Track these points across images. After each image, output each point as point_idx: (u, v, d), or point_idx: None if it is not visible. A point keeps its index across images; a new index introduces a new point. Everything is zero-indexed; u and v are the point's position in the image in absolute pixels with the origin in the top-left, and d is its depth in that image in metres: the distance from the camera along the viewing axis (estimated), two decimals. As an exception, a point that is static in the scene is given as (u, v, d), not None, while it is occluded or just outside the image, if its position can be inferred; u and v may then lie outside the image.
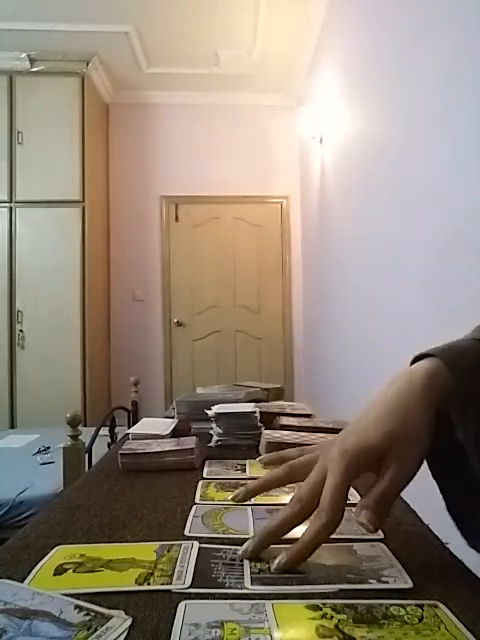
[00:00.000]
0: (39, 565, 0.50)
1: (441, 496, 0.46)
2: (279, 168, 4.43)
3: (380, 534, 0.58)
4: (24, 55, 3.61)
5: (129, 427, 1.76)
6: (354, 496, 0.66)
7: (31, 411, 3.51)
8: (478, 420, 0.42)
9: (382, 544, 0.55)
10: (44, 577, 0.48)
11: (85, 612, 0.41)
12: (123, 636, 0.38)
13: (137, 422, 1.23)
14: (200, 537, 0.57)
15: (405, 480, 0.42)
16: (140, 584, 0.46)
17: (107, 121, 4.39)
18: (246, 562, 0.51)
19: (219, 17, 3.33)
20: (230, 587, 0.46)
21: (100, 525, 0.62)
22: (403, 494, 0.76)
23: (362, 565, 0.49)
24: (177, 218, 4.42)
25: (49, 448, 2.49)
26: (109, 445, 2.13)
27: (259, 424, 1.06)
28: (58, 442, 2.23)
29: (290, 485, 0.61)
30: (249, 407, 1.09)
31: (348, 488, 0.42)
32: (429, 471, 0.47)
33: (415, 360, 0.45)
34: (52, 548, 0.55)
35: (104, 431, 2.10)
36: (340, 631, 0.38)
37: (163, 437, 1.01)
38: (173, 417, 1.20)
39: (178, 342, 4.38)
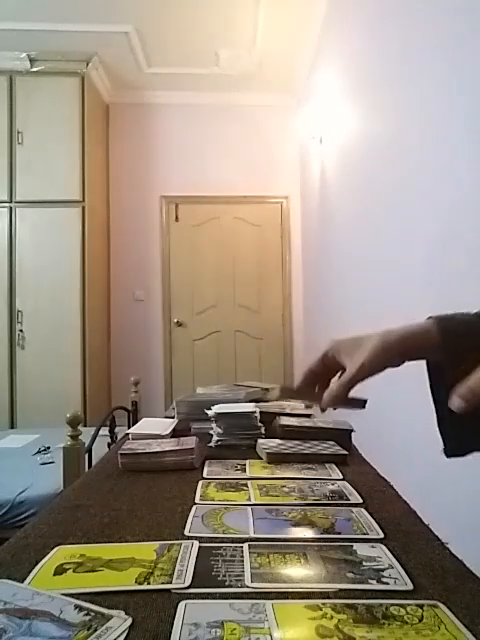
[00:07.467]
0: (39, 565, 0.50)
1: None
2: (279, 168, 4.42)
3: (380, 534, 0.58)
4: (24, 55, 3.60)
5: (129, 427, 1.76)
6: (352, 496, 0.67)
7: (31, 411, 3.51)
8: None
9: (382, 544, 0.55)
10: (44, 577, 0.48)
11: (85, 612, 0.41)
12: (123, 636, 0.38)
13: (137, 422, 1.23)
14: (200, 537, 0.57)
15: (354, 379, 0.54)
16: (140, 583, 0.46)
17: (107, 121, 4.39)
18: (246, 559, 0.51)
19: (219, 17, 3.32)
20: (230, 585, 0.46)
21: (100, 525, 0.62)
22: (403, 494, 0.77)
23: (362, 565, 0.49)
24: (177, 218, 4.42)
25: (49, 448, 2.49)
26: (109, 445, 2.12)
27: (259, 424, 1.06)
28: (58, 442, 2.22)
29: (290, 484, 0.64)
30: (249, 407, 1.09)
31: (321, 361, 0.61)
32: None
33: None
34: (52, 548, 0.55)
35: (104, 431, 2.10)
36: (340, 631, 0.37)
37: (163, 437, 1.01)
38: (173, 417, 1.20)
39: (178, 342, 4.38)
